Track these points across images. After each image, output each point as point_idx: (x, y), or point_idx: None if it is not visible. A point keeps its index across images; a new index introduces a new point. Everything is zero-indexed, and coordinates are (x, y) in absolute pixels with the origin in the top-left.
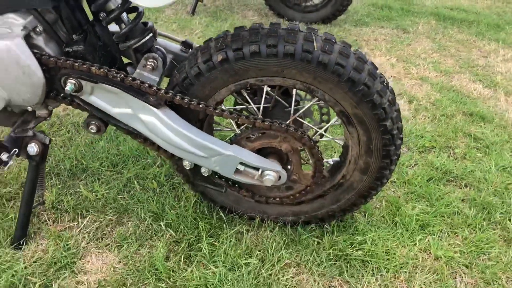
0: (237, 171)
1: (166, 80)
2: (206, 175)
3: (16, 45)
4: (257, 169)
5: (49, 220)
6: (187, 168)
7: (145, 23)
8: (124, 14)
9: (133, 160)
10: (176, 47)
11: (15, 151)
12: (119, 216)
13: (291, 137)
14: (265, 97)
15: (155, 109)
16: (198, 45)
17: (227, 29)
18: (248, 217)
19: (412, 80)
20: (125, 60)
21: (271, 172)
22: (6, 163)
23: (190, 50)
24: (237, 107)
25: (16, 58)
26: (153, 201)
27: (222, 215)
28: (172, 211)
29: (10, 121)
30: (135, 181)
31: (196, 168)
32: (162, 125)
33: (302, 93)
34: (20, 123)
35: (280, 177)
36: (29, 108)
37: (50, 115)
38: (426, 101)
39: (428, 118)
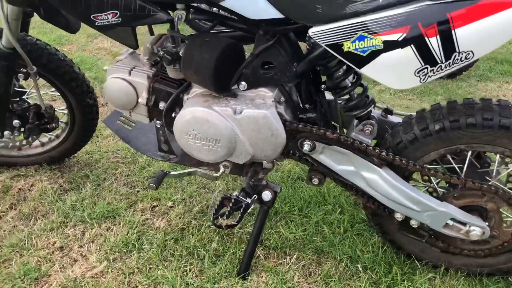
0: (446, 225)
1: None
2: (415, 226)
3: (271, 113)
4: (464, 224)
5: (261, 255)
6: (399, 220)
7: (367, 96)
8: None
9: (314, 206)
10: (377, 112)
11: (255, 197)
12: (317, 256)
13: (498, 198)
14: (457, 158)
15: (378, 169)
16: (409, 113)
17: None
18: (432, 266)
19: None
20: None
21: (477, 228)
22: (249, 207)
23: (390, 115)
24: (432, 166)
25: (269, 123)
26: (344, 244)
27: (417, 263)
28: (364, 255)
29: (242, 171)
30: (324, 225)
31: (406, 220)
32: (383, 182)
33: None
34: (252, 173)
35: (484, 233)
36: (265, 162)
37: (273, 167)
38: None
39: None
